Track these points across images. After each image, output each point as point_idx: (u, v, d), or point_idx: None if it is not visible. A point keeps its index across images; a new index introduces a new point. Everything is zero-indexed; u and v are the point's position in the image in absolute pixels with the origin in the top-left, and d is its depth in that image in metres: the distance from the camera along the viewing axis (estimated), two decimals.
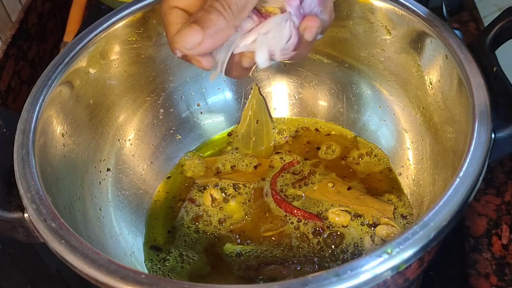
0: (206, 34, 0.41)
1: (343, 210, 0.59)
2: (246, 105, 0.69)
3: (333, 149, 0.67)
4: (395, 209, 0.59)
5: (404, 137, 0.63)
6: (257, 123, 0.69)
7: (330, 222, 0.59)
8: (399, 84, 0.62)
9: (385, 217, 0.58)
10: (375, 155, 0.65)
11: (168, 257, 0.58)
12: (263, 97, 0.70)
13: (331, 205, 0.60)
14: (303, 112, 0.71)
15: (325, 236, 0.58)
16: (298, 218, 0.60)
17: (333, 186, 0.62)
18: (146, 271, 0.57)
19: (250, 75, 0.69)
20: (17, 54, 0.87)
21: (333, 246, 0.57)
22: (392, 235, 0.57)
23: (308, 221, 0.59)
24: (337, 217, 0.59)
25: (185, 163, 0.68)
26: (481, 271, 0.62)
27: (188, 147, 0.69)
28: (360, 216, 0.59)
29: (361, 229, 0.58)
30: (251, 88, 0.69)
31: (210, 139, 0.70)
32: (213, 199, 0.62)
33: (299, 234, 0.59)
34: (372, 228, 0.58)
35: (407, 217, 0.59)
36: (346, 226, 0.58)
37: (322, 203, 0.61)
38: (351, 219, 0.59)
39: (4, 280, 0.64)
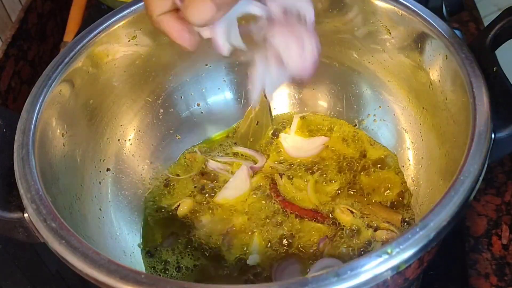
0: (217, 7, 0.38)
1: (348, 209, 0.59)
2: (250, 105, 0.70)
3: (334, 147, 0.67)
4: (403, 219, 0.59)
5: (404, 137, 0.63)
6: (257, 124, 0.69)
7: (335, 218, 0.59)
8: (399, 84, 0.62)
9: (387, 222, 0.58)
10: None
11: (167, 260, 0.59)
12: (267, 99, 0.70)
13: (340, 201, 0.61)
14: (302, 112, 0.71)
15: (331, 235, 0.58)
16: (301, 216, 0.60)
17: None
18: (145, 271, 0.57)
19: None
20: (17, 54, 0.87)
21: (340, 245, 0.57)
22: (391, 240, 0.56)
23: (313, 219, 0.59)
24: (342, 213, 0.59)
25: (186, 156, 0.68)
26: (481, 271, 0.62)
27: (188, 147, 0.69)
28: (364, 217, 0.59)
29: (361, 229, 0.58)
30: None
31: (210, 138, 0.70)
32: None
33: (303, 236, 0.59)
34: (372, 231, 0.57)
35: (410, 222, 0.58)
36: (351, 227, 0.58)
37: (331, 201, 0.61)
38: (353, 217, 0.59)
39: (4, 280, 0.64)
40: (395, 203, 0.60)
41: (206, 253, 0.58)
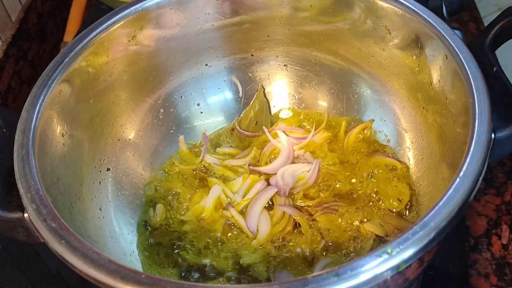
0: None
1: (373, 233, 0.57)
2: (250, 105, 0.70)
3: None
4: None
5: (404, 137, 0.63)
6: (256, 124, 0.69)
7: (361, 234, 0.57)
8: (399, 84, 0.62)
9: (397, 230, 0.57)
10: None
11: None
12: (267, 100, 0.70)
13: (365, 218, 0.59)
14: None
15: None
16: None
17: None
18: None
19: (251, 74, 0.70)
20: (17, 54, 0.87)
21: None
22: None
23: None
24: (367, 233, 0.57)
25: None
26: (481, 271, 0.62)
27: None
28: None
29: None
30: (254, 89, 0.70)
31: (210, 138, 0.70)
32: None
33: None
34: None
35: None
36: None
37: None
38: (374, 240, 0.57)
39: (4, 280, 0.64)
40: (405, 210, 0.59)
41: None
